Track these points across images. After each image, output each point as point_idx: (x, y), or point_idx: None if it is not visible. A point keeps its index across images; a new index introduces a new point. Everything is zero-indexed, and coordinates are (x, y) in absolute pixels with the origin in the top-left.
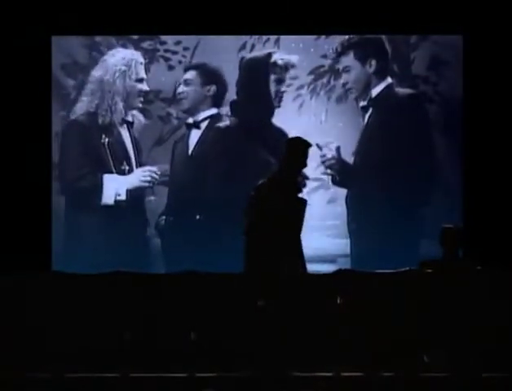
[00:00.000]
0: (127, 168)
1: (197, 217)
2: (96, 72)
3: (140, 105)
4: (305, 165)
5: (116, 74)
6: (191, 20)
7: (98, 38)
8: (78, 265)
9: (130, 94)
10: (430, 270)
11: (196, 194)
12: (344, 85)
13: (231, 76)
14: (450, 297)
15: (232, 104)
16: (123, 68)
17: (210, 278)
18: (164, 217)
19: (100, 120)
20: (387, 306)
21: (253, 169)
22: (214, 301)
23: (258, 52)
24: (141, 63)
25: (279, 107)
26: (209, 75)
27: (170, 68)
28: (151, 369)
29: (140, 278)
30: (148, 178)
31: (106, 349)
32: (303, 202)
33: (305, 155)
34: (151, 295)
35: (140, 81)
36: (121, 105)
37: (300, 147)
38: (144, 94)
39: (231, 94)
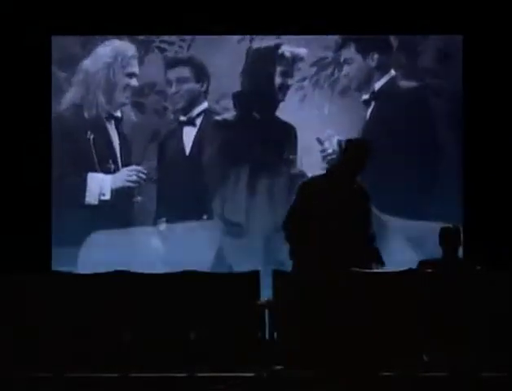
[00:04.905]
0: (113, 166)
1: (204, 216)
2: (85, 62)
3: (127, 101)
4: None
5: (101, 66)
6: (191, 20)
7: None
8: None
9: (114, 89)
10: (429, 270)
11: (194, 193)
12: (345, 76)
13: (230, 67)
14: (450, 297)
15: (235, 96)
16: (109, 60)
17: (210, 278)
18: (161, 217)
19: (86, 114)
20: (387, 306)
21: (255, 163)
22: (213, 301)
23: (265, 42)
24: (132, 57)
25: (283, 100)
26: (201, 69)
27: (166, 59)
28: (151, 369)
29: (140, 278)
30: (134, 178)
31: (106, 349)
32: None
33: (366, 160)
34: (151, 295)
35: (129, 75)
36: (103, 99)
37: (362, 152)
38: (133, 90)
39: (227, 87)
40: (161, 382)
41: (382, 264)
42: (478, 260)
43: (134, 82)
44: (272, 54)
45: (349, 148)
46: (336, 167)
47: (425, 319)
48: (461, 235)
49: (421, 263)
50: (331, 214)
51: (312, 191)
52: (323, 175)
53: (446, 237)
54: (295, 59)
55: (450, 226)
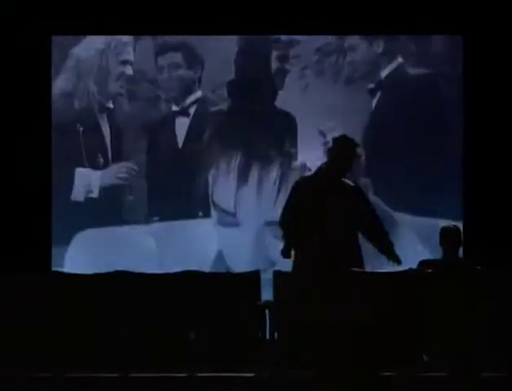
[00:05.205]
0: (102, 160)
1: (200, 213)
2: (76, 48)
3: (122, 90)
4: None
5: (92, 52)
6: (190, 20)
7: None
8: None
9: (107, 77)
10: (429, 270)
11: (187, 188)
12: (350, 64)
13: (224, 54)
14: (450, 297)
15: (230, 84)
16: (101, 46)
17: (211, 278)
18: (154, 215)
19: (77, 104)
20: (387, 306)
21: (253, 156)
22: (214, 301)
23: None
24: (127, 44)
25: (282, 88)
26: (194, 55)
27: (157, 44)
28: (151, 369)
29: (140, 278)
30: (125, 175)
31: (106, 349)
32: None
33: (354, 157)
34: (151, 295)
35: (123, 63)
36: (95, 88)
37: (349, 150)
38: (127, 78)
39: (222, 75)
40: (161, 382)
41: (399, 262)
42: (478, 260)
43: (128, 70)
44: (267, 38)
45: (335, 147)
46: (325, 166)
47: (426, 319)
48: (461, 235)
49: (421, 263)
50: (327, 214)
51: (306, 191)
52: (314, 174)
53: (446, 237)
54: (292, 42)
55: (450, 226)
